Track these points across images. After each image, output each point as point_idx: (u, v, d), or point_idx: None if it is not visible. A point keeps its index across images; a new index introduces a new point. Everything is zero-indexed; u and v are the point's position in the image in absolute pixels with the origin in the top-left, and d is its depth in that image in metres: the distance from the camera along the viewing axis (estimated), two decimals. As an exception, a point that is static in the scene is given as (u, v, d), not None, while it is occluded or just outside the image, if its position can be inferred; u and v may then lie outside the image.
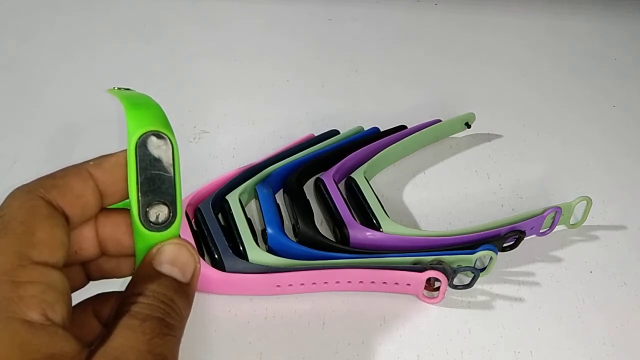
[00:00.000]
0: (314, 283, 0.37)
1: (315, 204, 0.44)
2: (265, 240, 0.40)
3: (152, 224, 0.22)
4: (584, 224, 0.44)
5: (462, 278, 0.39)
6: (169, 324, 0.21)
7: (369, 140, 0.48)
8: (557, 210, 0.42)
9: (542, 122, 0.56)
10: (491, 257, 0.39)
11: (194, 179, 0.44)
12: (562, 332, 0.37)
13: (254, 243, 0.38)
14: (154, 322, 0.20)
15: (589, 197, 0.43)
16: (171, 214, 0.22)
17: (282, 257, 0.38)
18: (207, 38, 0.66)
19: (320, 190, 0.44)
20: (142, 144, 0.21)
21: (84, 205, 0.21)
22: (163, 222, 0.22)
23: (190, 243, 0.23)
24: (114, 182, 0.22)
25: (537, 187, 0.48)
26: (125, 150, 0.21)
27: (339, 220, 0.41)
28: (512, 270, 0.41)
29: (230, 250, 0.38)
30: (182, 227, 0.23)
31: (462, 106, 0.54)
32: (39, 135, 0.51)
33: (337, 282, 0.37)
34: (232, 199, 0.41)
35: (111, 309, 0.23)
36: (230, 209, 0.41)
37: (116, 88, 0.24)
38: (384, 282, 0.38)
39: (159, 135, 0.21)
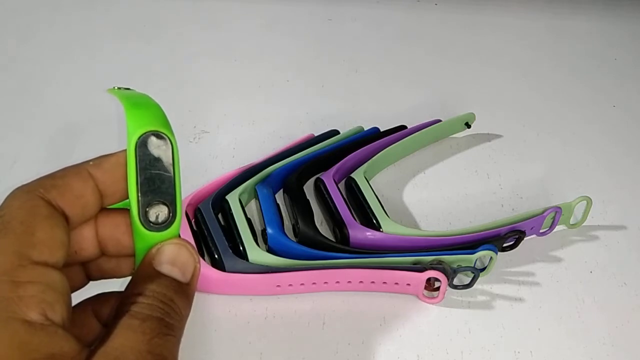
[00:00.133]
0: (314, 283, 0.37)
1: (315, 204, 0.44)
2: (265, 240, 0.40)
3: (151, 224, 0.22)
4: (584, 224, 0.44)
5: (462, 278, 0.39)
6: (169, 324, 0.21)
7: (369, 140, 0.48)
8: (557, 210, 0.42)
9: (542, 122, 0.56)
10: (491, 257, 0.39)
11: (194, 179, 0.44)
12: (562, 332, 0.37)
13: (254, 243, 0.38)
14: (153, 322, 0.20)
15: (589, 197, 0.43)
16: (171, 214, 0.22)
17: (282, 257, 0.38)
18: (207, 38, 0.66)
19: (320, 190, 0.44)
20: (142, 144, 0.21)
21: (84, 205, 0.21)
22: (163, 222, 0.22)
23: (190, 243, 0.23)
24: (114, 182, 0.22)
25: (537, 187, 0.48)
26: (125, 150, 0.21)
27: (339, 220, 0.41)
28: (512, 270, 0.41)
29: (230, 250, 0.38)
30: (182, 227, 0.23)
31: (462, 106, 0.54)
32: (39, 135, 0.51)
33: (337, 282, 0.37)
34: (232, 199, 0.41)
35: (111, 309, 0.23)
36: (230, 209, 0.41)
37: (116, 88, 0.24)
38: (384, 282, 0.38)
39: (158, 135, 0.21)
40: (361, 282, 0.38)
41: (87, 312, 0.23)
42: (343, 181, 0.46)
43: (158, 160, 0.21)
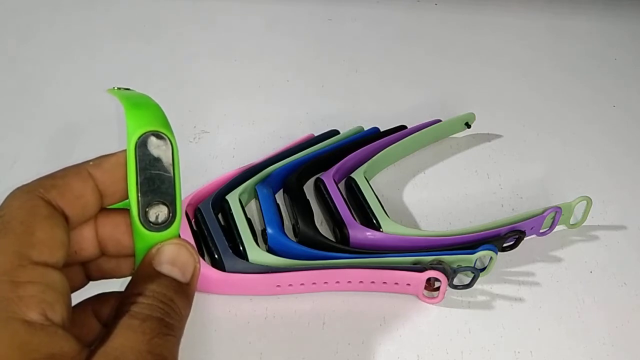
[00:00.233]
0: (314, 283, 0.37)
1: (315, 204, 0.44)
2: (265, 240, 0.40)
3: (151, 224, 0.22)
4: (584, 224, 0.44)
5: (462, 278, 0.39)
6: (169, 324, 0.21)
7: (369, 140, 0.48)
8: (557, 210, 0.42)
9: (542, 122, 0.56)
10: (491, 257, 0.39)
11: (194, 179, 0.44)
12: (562, 332, 0.37)
13: (254, 243, 0.38)
14: (153, 322, 0.20)
15: (589, 197, 0.43)
16: (171, 214, 0.22)
17: (282, 257, 0.38)
18: (207, 38, 0.66)
19: (320, 190, 0.44)
20: (141, 144, 0.21)
21: (84, 205, 0.21)
22: (163, 222, 0.22)
23: (190, 243, 0.23)
24: (114, 182, 0.22)
25: (537, 187, 0.48)
26: (125, 150, 0.21)
27: (339, 220, 0.41)
28: (512, 270, 0.41)
29: (230, 250, 0.38)
30: (182, 227, 0.23)
31: (462, 106, 0.54)
32: (39, 135, 0.51)
33: (337, 282, 0.37)
34: (232, 199, 0.41)
35: (111, 309, 0.23)
36: (230, 209, 0.41)
37: (116, 88, 0.24)
38: (384, 282, 0.38)
39: (158, 135, 0.21)
40: (361, 282, 0.38)
41: (87, 312, 0.23)
42: (343, 181, 0.46)
43: (158, 160, 0.21)
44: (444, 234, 0.40)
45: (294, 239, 0.41)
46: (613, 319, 0.38)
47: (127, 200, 0.22)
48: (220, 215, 0.42)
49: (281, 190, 0.45)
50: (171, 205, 0.22)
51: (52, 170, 0.22)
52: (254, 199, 0.45)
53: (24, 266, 0.19)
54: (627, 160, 0.52)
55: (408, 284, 0.38)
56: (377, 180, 0.48)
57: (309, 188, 0.45)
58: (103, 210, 0.23)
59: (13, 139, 0.51)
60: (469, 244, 0.40)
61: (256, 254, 0.38)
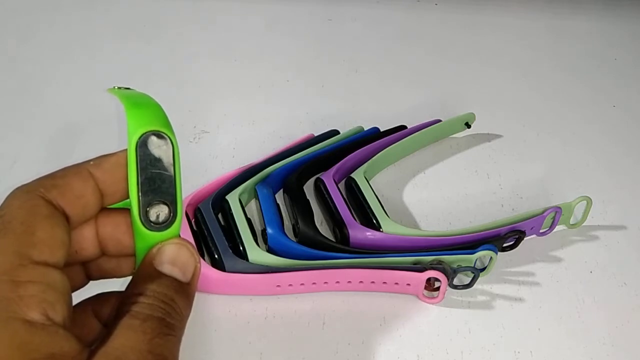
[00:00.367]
0: (314, 283, 0.37)
1: (315, 204, 0.44)
2: (265, 240, 0.40)
3: (152, 224, 0.22)
4: (584, 224, 0.44)
5: (462, 278, 0.39)
6: (170, 323, 0.21)
7: (369, 140, 0.48)
8: (557, 210, 0.42)
9: (542, 122, 0.56)
10: (491, 257, 0.39)
11: (194, 179, 0.44)
12: (562, 332, 0.37)
13: (254, 243, 0.38)
14: (154, 322, 0.20)
15: (589, 197, 0.43)
16: (171, 214, 0.22)
17: (282, 257, 0.38)
18: (207, 38, 0.66)
19: (320, 190, 0.44)
20: (142, 144, 0.21)
21: (84, 205, 0.21)
22: (163, 222, 0.22)
23: (190, 243, 0.23)
24: (114, 182, 0.22)
25: (537, 187, 0.48)
26: (126, 150, 0.21)
27: (339, 220, 0.41)
28: (512, 270, 0.41)
29: (230, 250, 0.38)
30: (182, 227, 0.23)
31: (462, 106, 0.54)
32: (39, 135, 0.51)
33: (337, 282, 0.37)
34: (232, 199, 0.41)
35: (111, 309, 0.23)
36: (230, 209, 0.41)
37: (116, 87, 0.24)
38: (384, 282, 0.38)
39: (159, 135, 0.21)
40: (361, 282, 0.38)
41: (87, 312, 0.23)
42: (343, 181, 0.46)
43: (158, 160, 0.21)
44: (444, 234, 0.40)
45: (294, 239, 0.41)
46: (613, 319, 0.38)
47: (128, 200, 0.22)
48: (220, 215, 0.42)
49: (281, 190, 0.45)
50: (172, 205, 0.22)
51: (52, 170, 0.22)
52: (254, 199, 0.45)
53: (24, 266, 0.19)
54: (627, 160, 0.52)
55: (408, 284, 0.38)
56: (377, 180, 0.48)
57: (309, 188, 0.45)
58: (103, 209, 0.23)
59: (13, 139, 0.51)
60: (469, 244, 0.40)
61: (256, 254, 0.38)
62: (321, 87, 0.59)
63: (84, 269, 0.24)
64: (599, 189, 0.47)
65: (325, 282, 0.37)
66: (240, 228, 0.39)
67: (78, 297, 0.23)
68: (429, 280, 0.37)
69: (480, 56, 0.65)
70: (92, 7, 0.71)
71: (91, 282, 0.24)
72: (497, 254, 0.39)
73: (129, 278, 0.22)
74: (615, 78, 0.63)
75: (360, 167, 0.45)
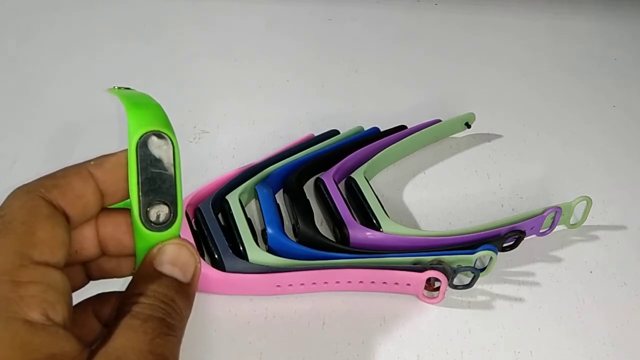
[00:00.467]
0: (314, 283, 0.37)
1: (315, 204, 0.44)
2: (265, 240, 0.40)
3: (152, 224, 0.22)
4: (584, 224, 0.44)
5: (462, 278, 0.39)
6: (170, 324, 0.21)
7: (369, 140, 0.48)
8: (557, 210, 0.42)
9: (542, 122, 0.56)
10: (491, 257, 0.39)
11: (194, 179, 0.44)
12: (562, 332, 0.37)
13: (254, 243, 0.38)
14: (155, 323, 0.20)
15: (589, 197, 0.43)
16: (172, 214, 0.22)
17: (282, 257, 0.38)
18: (207, 38, 0.66)
19: (320, 190, 0.44)
20: (143, 144, 0.21)
21: (85, 205, 0.21)
22: (164, 222, 0.22)
23: (190, 243, 0.23)
24: (115, 182, 0.22)
25: (537, 187, 0.48)
26: (126, 150, 0.21)
27: (339, 220, 0.41)
28: (512, 270, 0.41)
29: (230, 250, 0.38)
30: (182, 227, 0.23)
31: (462, 106, 0.54)
32: (39, 135, 0.51)
33: (337, 282, 0.37)
34: (232, 199, 0.41)
35: (111, 309, 0.23)
36: (230, 209, 0.41)
37: (116, 87, 0.24)
38: (384, 282, 0.38)
39: (159, 135, 0.21)
40: (361, 282, 0.38)
41: (87, 312, 0.23)
42: (343, 181, 0.46)
43: (159, 160, 0.21)
44: (444, 234, 0.40)
45: (294, 239, 0.41)
46: (613, 319, 0.38)
47: (128, 200, 0.22)
48: (220, 215, 0.42)
49: (281, 190, 0.45)
50: (172, 205, 0.22)
51: (52, 170, 0.22)
52: (254, 199, 0.45)
53: (25, 266, 0.19)
54: (627, 160, 0.52)
55: (408, 284, 0.38)
56: (377, 180, 0.48)
57: (309, 188, 0.45)
58: (104, 210, 0.23)
59: (13, 139, 0.51)
60: (469, 244, 0.40)
61: (256, 254, 0.38)
62: (321, 87, 0.59)
63: (84, 269, 0.24)
64: (599, 189, 0.47)
65: (325, 282, 0.37)
66: (240, 228, 0.39)
67: (78, 297, 0.23)
68: (429, 280, 0.37)
69: (480, 56, 0.65)
70: (92, 7, 0.71)
71: (91, 282, 0.24)
72: (497, 254, 0.39)
73: (129, 278, 0.22)
74: (615, 78, 0.63)
75: (360, 167, 0.45)
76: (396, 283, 0.38)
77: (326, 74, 0.61)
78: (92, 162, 0.22)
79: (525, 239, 0.42)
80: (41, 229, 0.19)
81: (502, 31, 0.70)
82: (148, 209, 0.22)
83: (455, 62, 0.64)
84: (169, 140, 0.21)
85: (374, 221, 0.41)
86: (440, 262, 0.38)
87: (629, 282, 0.41)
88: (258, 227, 0.42)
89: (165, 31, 0.67)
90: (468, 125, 0.53)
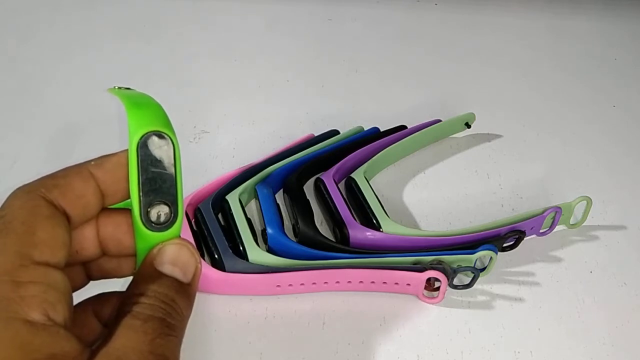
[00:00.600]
0: (314, 283, 0.37)
1: (315, 204, 0.44)
2: (265, 240, 0.40)
3: (153, 224, 0.22)
4: (584, 224, 0.44)
5: (462, 278, 0.39)
6: (171, 324, 0.21)
7: (369, 140, 0.48)
8: (557, 210, 0.42)
9: (542, 122, 0.56)
10: (491, 257, 0.39)
11: (194, 179, 0.44)
12: (562, 332, 0.37)
13: (254, 243, 0.38)
14: (155, 323, 0.20)
15: (589, 197, 0.43)
16: (172, 214, 0.22)
17: (282, 257, 0.38)
18: (207, 38, 0.66)
19: (320, 190, 0.44)
20: (143, 144, 0.21)
21: (85, 205, 0.21)
22: (164, 222, 0.22)
23: (191, 243, 0.23)
24: (115, 182, 0.22)
25: (537, 187, 0.48)
26: (127, 150, 0.21)
27: (339, 220, 0.41)
28: (512, 270, 0.41)
29: (230, 250, 0.38)
30: (182, 227, 0.23)
31: (462, 106, 0.54)
32: (39, 135, 0.51)
33: (337, 282, 0.37)
34: (232, 199, 0.41)
35: (112, 309, 0.23)
36: (230, 209, 0.41)
37: (117, 87, 0.24)
38: (384, 282, 0.38)
39: (160, 135, 0.21)
40: (361, 282, 0.38)
41: (87, 312, 0.23)
42: (343, 181, 0.46)
43: (159, 160, 0.21)
44: (444, 234, 0.40)
45: (294, 239, 0.41)
46: (613, 319, 0.38)
47: (129, 200, 0.22)
48: (220, 215, 0.42)
49: (281, 190, 0.45)
50: (173, 205, 0.22)
51: (52, 170, 0.22)
52: (254, 199, 0.45)
53: (25, 266, 0.19)
54: (627, 160, 0.52)
55: (408, 284, 0.38)
56: (377, 180, 0.48)
57: (309, 188, 0.45)
58: (104, 210, 0.23)
59: (13, 139, 0.51)
60: (469, 244, 0.40)
61: (256, 254, 0.38)
62: (321, 87, 0.59)
63: (85, 269, 0.24)
64: (599, 189, 0.47)
65: (325, 282, 0.37)
66: (240, 228, 0.39)
67: (78, 297, 0.23)
68: (429, 280, 0.37)
69: (480, 56, 0.65)
70: (92, 7, 0.71)
71: (92, 282, 0.24)
72: (497, 254, 0.39)
73: (130, 278, 0.23)
74: (615, 78, 0.63)
75: (360, 167, 0.45)
76: (396, 283, 0.38)
77: (326, 74, 0.61)
78: (92, 162, 0.22)
79: (525, 239, 0.42)
80: (41, 229, 0.19)
81: (502, 31, 0.70)
82: (148, 209, 0.22)
83: (455, 62, 0.64)
84: (170, 140, 0.21)
85: (374, 221, 0.41)
86: (440, 262, 0.38)
87: (629, 282, 0.41)
88: (258, 227, 0.42)
89: (165, 31, 0.67)
90: (468, 125, 0.53)
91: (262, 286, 0.37)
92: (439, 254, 0.38)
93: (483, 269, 0.39)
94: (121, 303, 0.21)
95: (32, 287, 0.18)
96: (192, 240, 0.38)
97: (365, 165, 0.45)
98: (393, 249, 0.40)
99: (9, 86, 0.58)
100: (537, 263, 0.42)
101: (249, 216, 0.41)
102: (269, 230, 0.39)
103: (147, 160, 0.21)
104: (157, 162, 0.21)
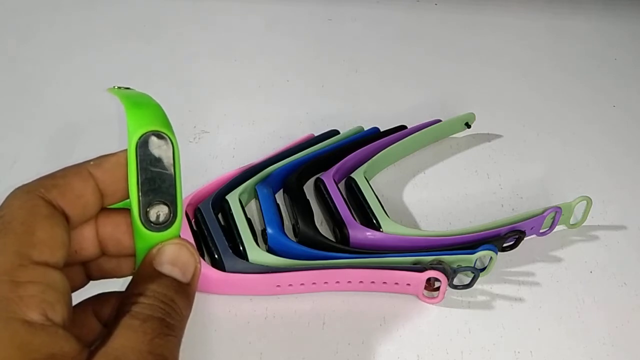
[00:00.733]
0: (314, 283, 0.37)
1: (315, 204, 0.44)
2: (265, 240, 0.40)
3: (152, 224, 0.22)
4: (584, 224, 0.44)
5: (462, 278, 0.39)
6: (170, 324, 0.20)
7: (369, 140, 0.48)
8: (557, 210, 0.42)
9: (542, 122, 0.56)
10: (491, 257, 0.39)
11: (194, 179, 0.44)
12: (562, 332, 0.37)
13: (254, 243, 0.38)
14: (154, 323, 0.20)
15: (589, 197, 0.43)
16: (172, 214, 0.22)
17: (282, 257, 0.38)
18: (207, 38, 0.66)
19: (320, 190, 0.44)
20: (142, 144, 0.21)
21: (85, 205, 0.21)
22: (163, 222, 0.22)
23: (190, 243, 0.23)
24: (115, 182, 0.22)
25: (537, 187, 0.48)
26: (126, 150, 0.21)
27: (339, 220, 0.41)
28: (512, 270, 0.41)
29: (230, 250, 0.38)
30: (182, 227, 0.23)
31: (462, 106, 0.54)
32: (39, 135, 0.51)
33: (337, 282, 0.37)
34: (232, 199, 0.41)
35: (111, 309, 0.23)
36: (230, 209, 0.41)
37: (116, 87, 0.24)
38: (384, 282, 0.38)
39: (159, 135, 0.21)
40: (361, 282, 0.38)
41: (87, 312, 0.23)
42: (343, 181, 0.46)
43: (159, 160, 0.21)
44: (444, 234, 0.40)
45: (294, 239, 0.41)
46: (613, 319, 0.38)
47: (128, 200, 0.22)
48: (220, 215, 0.42)
49: (281, 190, 0.45)
50: (172, 205, 0.22)
51: (52, 170, 0.21)
52: (254, 199, 0.45)
53: (24, 266, 0.19)
54: (627, 160, 0.52)
55: (408, 284, 0.38)
56: (377, 180, 0.48)
57: (309, 188, 0.45)
58: (103, 210, 0.23)
59: (13, 139, 0.51)
60: (469, 244, 0.40)
61: (256, 254, 0.38)
62: (321, 87, 0.59)
63: (84, 269, 0.24)
64: (599, 189, 0.47)
65: (325, 282, 0.37)
66: (240, 228, 0.39)
67: (78, 297, 0.23)
68: (429, 280, 0.37)
69: (480, 56, 0.65)
70: (92, 7, 0.71)
71: (91, 282, 0.24)
72: (497, 254, 0.39)
73: (129, 278, 0.22)
74: (615, 78, 0.63)
75: (360, 167, 0.45)
76: (396, 283, 0.38)
77: (326, 74, 0.61)
78: (91, 162, 0.22)
79: (525, 239, 0.42)
80: (41, 229, 0.19)
81: (502, 31, 0.70)
82: (148, 209, 0.22)
83: (455, 62, 0.64)
84: (169, 140, 0.21)
85: (374, 221, 0.41)
86: (440, 262, 0.38)
87: (629, 282, 0.41)
88: (258, 227, 0.42)
89: (165, 31, 0.67)
90: (468, 125, 0.53)
91: (262, 286, 0.37)
92: (439, 254, 0.38)
93: (483, 269, 0.39)
94: (120, 303, 0.21)
95: (31, 287, 0.18)
96: (192, 240, 0.38)
97: (365, 165, 0.45)
98: (393, 249, 0.40)
99: (9, 86, 0.58)
100: (537, 263, 0.42)
101: (249, 216, 0.41)
102: (269, 230, 0.39)
103: (146, 160, 0.21)
104: (157, 162, 0.21)
